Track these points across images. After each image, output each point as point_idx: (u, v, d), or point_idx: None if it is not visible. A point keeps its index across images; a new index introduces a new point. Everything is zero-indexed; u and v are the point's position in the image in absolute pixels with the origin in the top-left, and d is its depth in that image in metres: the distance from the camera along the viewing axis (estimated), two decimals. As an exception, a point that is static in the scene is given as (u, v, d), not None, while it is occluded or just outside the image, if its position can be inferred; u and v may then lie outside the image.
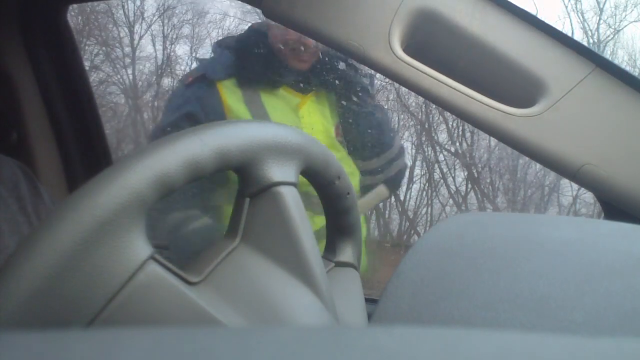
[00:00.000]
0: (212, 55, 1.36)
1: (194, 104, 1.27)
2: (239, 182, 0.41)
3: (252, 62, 1.29)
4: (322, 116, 1.28)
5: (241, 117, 1.25)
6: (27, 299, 0.29)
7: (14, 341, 0.14)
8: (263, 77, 1.28)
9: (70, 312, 0.31)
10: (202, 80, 1.28)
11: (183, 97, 1.31)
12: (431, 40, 0.65)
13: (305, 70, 1.29)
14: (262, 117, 1.25)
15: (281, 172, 0.40)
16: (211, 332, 0.15)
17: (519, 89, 0.63)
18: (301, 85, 1.30)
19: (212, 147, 0.36)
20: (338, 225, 0.51)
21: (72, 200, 0.31)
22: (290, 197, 0.40)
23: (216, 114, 1.25)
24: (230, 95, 1.27)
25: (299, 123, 1.26)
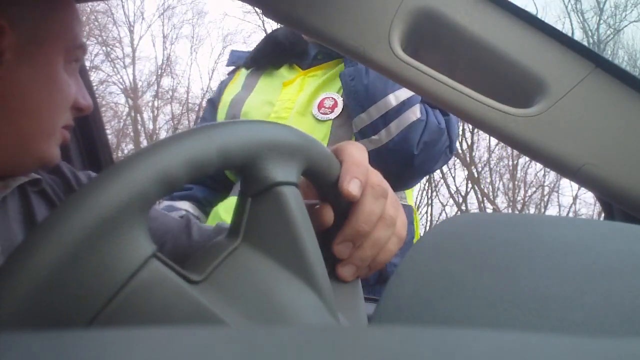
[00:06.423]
0: None
1: (216, 90, 1.38)
2: (241, 182, 0.41)
3: (268, 46, 1.31)
4: (308, 91, 1.20)
5: (225, 101, 1.29)
6: (29, 296, 0.29)
7: (14, 341, 0.14)
8: (270, 59, 1.29)
9: (72, 310, 0.31)
10: (234, 70, 1.38)
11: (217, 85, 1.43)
12: (431, 40, 0.65)
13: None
14: (242, 98, 1.25)
15: (283, 172, 0.40)
16: (213, 332, 0.15)
17: (519, 89, 0.63)
18: (317, 58, 1.26)
19: (214, 146, 0.36)
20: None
21: (75, 197, 0.31)
22: (292, 197, 0.41)
23: (218, 100, 1.33)
24: (237, 79, 1.33)
25: (275, 99, 1.22)
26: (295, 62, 1.28)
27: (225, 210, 1.16)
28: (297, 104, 1.19)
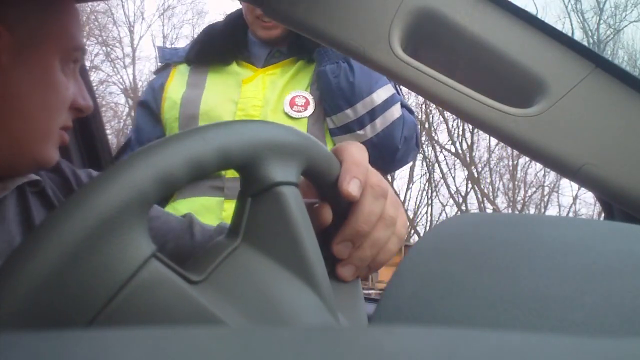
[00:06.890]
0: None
1: (147, 91, 1.32)
2: (241, 182, 0.41)
3: (210, 42, 1.28)
4: (274, 89, 1.20)
5: (173, 99, 1.24)
6: (29, 296, 0.29)
7: (14, 341, 0.14)
8: (216, 55, 1.26)
9: (72, 310, 0.31)
10: (164, 68, 1.32)
11: (147, 86, 1.36)
12: (431, 40, 0.65)
13: (276, 39, 1.24)
14: (195, 96, 1.22)
15: (283, 172, 0.40)
16: (213, 332, 0.15)
17: (519, 89, 0.63)
18: (273, 56, 1.25)
19: (214, 146, 0.36)
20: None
21: (75, 197, 0.31)
22: (292, 197, 0.41)
23: (157, 99, 1.27)
24: (176, 77, 1.28)
25: (237, 98, 1.20)
26: (242, 59, 1.26)
27: (195, 212, 1.14)
28: (267, 101, 1.19)
